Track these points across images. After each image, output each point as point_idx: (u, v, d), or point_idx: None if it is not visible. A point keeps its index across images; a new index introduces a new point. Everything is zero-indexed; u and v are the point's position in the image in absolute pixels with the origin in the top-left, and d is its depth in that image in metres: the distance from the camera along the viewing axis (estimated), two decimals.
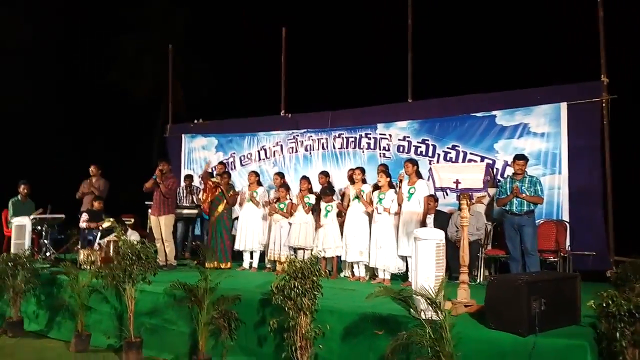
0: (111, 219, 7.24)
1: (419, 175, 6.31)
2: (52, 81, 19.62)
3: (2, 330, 6.21)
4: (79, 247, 7.64)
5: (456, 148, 7.68)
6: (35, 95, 19.36)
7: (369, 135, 8.53)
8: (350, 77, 16.45)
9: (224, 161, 9.86)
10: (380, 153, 8.34)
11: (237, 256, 7.70)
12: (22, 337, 6.05)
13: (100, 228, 7.61)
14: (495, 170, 7.25)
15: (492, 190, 6.87)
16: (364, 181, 6.76)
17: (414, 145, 8.04)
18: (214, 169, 8.61)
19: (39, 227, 7.70)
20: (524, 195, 5.90)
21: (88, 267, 6.51)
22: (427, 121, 8.01)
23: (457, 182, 4.74)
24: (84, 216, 8.00)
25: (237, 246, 7.55)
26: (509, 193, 6.02)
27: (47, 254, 7.63)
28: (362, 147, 8.58)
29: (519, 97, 7.34)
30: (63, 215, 8.09)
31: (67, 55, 19.92)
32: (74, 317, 5.71)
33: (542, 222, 6.67)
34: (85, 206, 8.48)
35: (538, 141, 7.08)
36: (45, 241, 7.74)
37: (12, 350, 5.54)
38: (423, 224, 6.14)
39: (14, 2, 18.10)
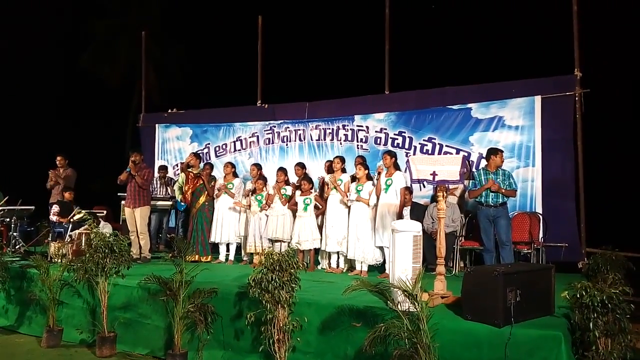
0: (82, 211, 7.06)
1: (396, 167, 6.32)
2: (19, 65, 18.96)
3: None
4: (50, 239, 7.44)
5: (432, 140, 7.72)
6: (3, 80, 18.71)
7: (346, 127, 8.51)
8: (328, 68, 16.39)
9: (199, 152, 9.72)
10: (357, 145, 8.34)
11: (214, 249, 7.62)
12: None
13: (72, 220, 7.43)
14: (470, 162, 7.32)
15: (467, 183, 6.95)
16: (343, 170, 6.75)
17: (390, 137, 8.05)
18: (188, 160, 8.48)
19: (8, 219, 7.47)
20: (503, 189, 5.97)
21: (59, 260, 6.34)
22: (403, 113, 8.03)
23: (433, 174, 4.76)
24: (54, 208, 7.80)
25: (213, 238, 7.47)
26: (483, 185, 6.07)
27: (17, 246, 7.42)
28: (339, 138, 8.56)
29: (495, 90, 7.42)
30: (32, 207, 7.86)
31: (39, 39, 19.28)
32: (45, 311, 5.57)
33: (516, 214, 6.78)
34: (54, 197, 8.27)
35: (512, 134, 7.18)
36: (15, 233, 7.53)
37: None
38: (400, 215, 6.17)
39: None
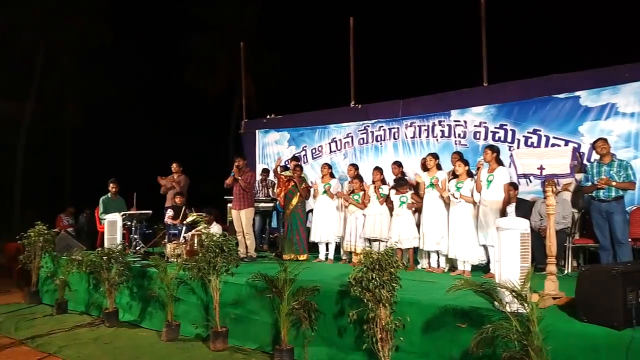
0: (195, 214, 7.56)
1: (499, 162, 6.06)
2: (132, 82, 20.79)
3: (99, 320, 6.68)
4: (166, 241, 8.05)
5: (537, 132, 7.31)
6: (118, 97, 20.65)
7: (442, 123, 8.32)
8: (421, 64, 16.11)
9: (297, 154, 10.02)
10: (455, 140, 8.11)
11: (313, 248, 7.81)
12: (118, 326, 6.44)
13: (184, 222, 7.98)
14: (581, 154, 6.83)
15: (579, 176, 6.48)
16: (438, 167, 6.60)
17: (491, 131, 7.74)
18: (287, 162, 8.78)
19: (129, 223, 8.18)
20: (614, 183, 5.51)
21: (175, 260, 6.83)
22: (504, 105, 7.68)
23: (541, 168, 4.53)
24: (169, 212, 8.45)
25: (313, 238, 7.65)
26: (596, 178, 5.65)
27: (137, 248, 8.09)
28: (435, 135, 8.38)
29: (605, 75, 6.84)
30: (150, 211, 8.55)
31: (146, 56, 21.00)
32: (164, 307, 6.02)
33: (634, 208, 6.23)
34: (169, 202, 8.93)
35: (627, 122, 6.60)
36: (135, 236, 8.22)
37: (110, 339, 5.93)
38: (504, 213, 5.90)
39: (96, 7, 19.30)
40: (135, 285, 6.68)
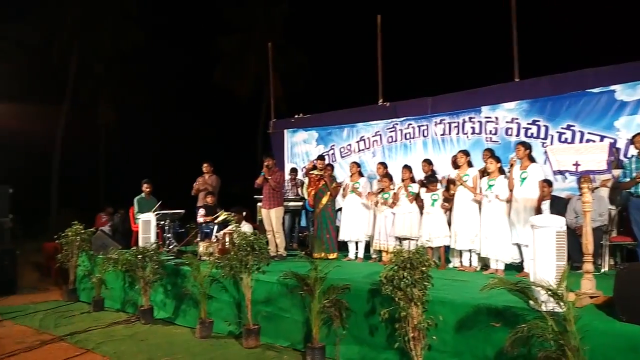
0: (226, 213, 7.66)
1: (531, 159, 5.94)
2: (163, 84, 21.22)
3: (135, 317, 6.84)
4: (198, 239, 8.19)
5: (571, 128, 7.16)
6: (150, 99, 21.10)
7: (473, 119, 8.21)
8: (450, 60, 15.93)
9: (325, 154, 10.04)
10: (486, 137, 8.01)
11: (342, 247, 7.82)
12: (153, 323, 6.59)
13: (216, 222, 8.10)
14: (617, 150, 6.65)
15: (616, 172, 6.31)
16: (469, 164, 6.52)
17: (523, 127, 7.62)
18: (314, 161, 8.81)
19: (162, 222, 8.35)
20: None
21: (207, 258, 6.93)
22: (537, 101, 7.55)
23: (576, 165, 4.42)
24: (201, 211, 8.59)
25: (342, 237, 7.66)
26: (634, 174, 5.49)
27: (170, 246, 8.24)
28: (465, 132, 8.29)
29: None
30: (183, 211, 8.71)
31: (176, 58, 21.39)
32: (197, 305, 6.13)
33: None
34: (200, 201, 9.07)
35: None
36: (168, 235, 8.38)
37: (145, 335, 6.08)
38: (538, 210, 5.78)
39: (126, 11, 19.76)
40: (169, 283, 6.81)
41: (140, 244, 7.35)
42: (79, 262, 8.26)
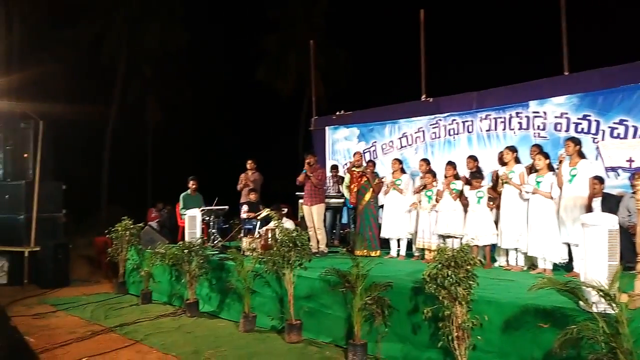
0: (268, 209, 7.76)
1: (581, 155, 5.72)
2: (207, 83, 21.69)
3: (181, 310, 7.02)
4: (242, 235, 8.32)
5: (624, 123, 6.85)
6: (195, 98, 21.61)
7: (520, 115, 7.99)
8: (495, 54, 15.52)
9: (367, 150, 10.00)
10: (534, 133, 7.77)
11: (384, 244, 7.77)
12: (198, 316, 6.75)
13: (258, 218, 8.22)
14: None
15: None
16: (516, 160, 6.35)
17: (573, 122, 7.35)
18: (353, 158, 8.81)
19: (207, 218, 8.53)
20: None
21: (250, 253, 7.03)
22: (587, 95, 7.27)
23: (630, 161, 4.26)
24: (244, 207, 8.74)
25: (384, 234, 7.61)
26: None
27: (215, 242, 8.41)
28: (512, 127, 8.07)
29: None
30: (227, 207, 8.87)
31: (219, 58, 21.82)
32: (241, 299, 6.23)
33: None
34: (244, 198, 9.22)
35: None
36: (213, 230, 8.56)
37: (191, 328, 6.23)
38: (588, 208, 5.58)
39: (172, 13, 20.30)
40: (214, 278, 6.96)
41: (187, 238, 7.52)
42: (128, 256, 8.54)
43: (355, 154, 8.75)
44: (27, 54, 17.13)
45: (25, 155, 9.67)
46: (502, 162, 6.57)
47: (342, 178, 9.42)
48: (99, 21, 19.45)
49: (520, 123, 7.97)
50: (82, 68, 18.90)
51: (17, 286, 8.84)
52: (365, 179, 7.77)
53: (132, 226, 8.42)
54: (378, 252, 7.55)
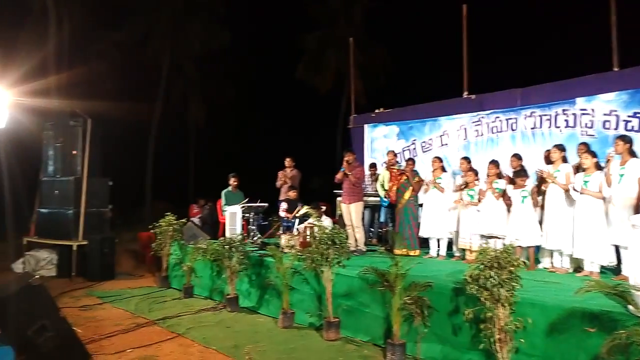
0: (307, 207, 7.80)
1: (632, 154, 5.50)
2: (248, 81, 21.97)
3: (222, 305, 7.14)
4: (280, 232, 8.39)
5: None
6: (236, 96, 21.92)
7: (566, 112, 7.73)
8: (540, 50, 15.07)
9: (406, 148, 9.90)
10: (581, 131, 7.50)
11: (423, 243, 7.68)
12: (238, 312, 6.85)
13: (297, 216, 8.27)
14: None
15: None
16: (563, 160, 6.15)
17: (623, 120, 7.05)
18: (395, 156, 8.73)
19: (247, 215, 8.65)
20: None
21: (289, 250, 7.09)
22: (638, 91, 6.95)
23: None
24: (283, 205, 8.80)
25: (423, 233, 7.52)
26: None
27: (254, 238, 8.53)
28: (558, 125, 7.81)
29: None
30: (266, 204, 8.97)
31: (260, 56, 22.06)
32: (280, 295, 6.30)
33: None
34: (282, 195, 9.29)
35: None
36: (253, 227, 8.67)
37: (231, 323, 6.35)
38: (638, 209, 5.35)
39: (214, 12, 20.65)
40: (254, 274, 7.05)
41: (227, 234, 7.64)
42: (171, 251, 8.75)
43: (388, 153, 8.68)
44: (75, 54, 17.79)
45: (74, 152, 10.03)
46: (548, 161, 6.39)
47: (376, 175, 9.36)
48: (144, 21, 19.99)
49: (566, 120, 7.71)
50: (128, 67, 19.49)
51: (65, 279, 9.18)
52: (405, 177, 7.70)
53: (175, 222, 8.61)
54: (417, 252, 7.47)
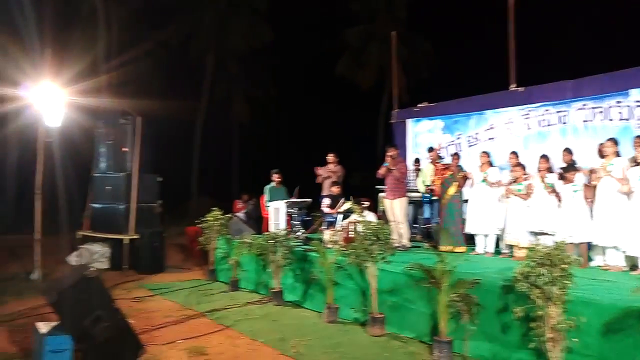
0: (350, 202, 7.80)
1: None
2: (290, 78, 22.10)
3: (267, 298, 7.25)
4: (323, 227, 8.43)
5: None
6: (278, 93, 22.13)
7: (620, 104, 7.41)
8: (591, 40, 14.45)
9: (452, 143, 9.74)
10: (636, 124, 7.17)
11: (470, 240, 7.54)
12: (283, 305, 6.93)
13: (339, 211, 8.28)
14: None
15: None
16: (617, 154, 5.92)
17: None
18: (438, 152, 8.61)
19: (291, 210, 8.72)
20: None
21: (332, 246, 7.12)
22: None
23: None
24: (326, 200, 8.83)
25: (469, 229, 7.39)
26: None
27: (298, 233, 8.59)
28: (611, 118, 7.51)
29: None
30: (310, 199, 9.02)
31: (302, 53, 22.16)
32: (324, 290, 6.33)
33: None
34: (325, 191, 9.31)
35: None
36: (296, 222, 8.74)
37: (277, 316, 6.44)
38: None
39: (256, 9, 20.88)
40: (298, 268, 7.11)
41: (271, 229, 7.73)
42: (218, 245, 8.91)
43: (429, 149, 8.55)
44: (123, 54, 18.38)
45: (125, 149, 10.40)
46: (602, 155, 6.16)
47: (418, 170, 9.25)
48: (188, 21, 20.43)
49: (620, 113, 7.40)
50: (173, 66, 19.97)
51: (117, 271, 9.50)
52: (450, 173, 7.59)
53: (221, 217, 8.77)
54: (463, 248, 7.35)
